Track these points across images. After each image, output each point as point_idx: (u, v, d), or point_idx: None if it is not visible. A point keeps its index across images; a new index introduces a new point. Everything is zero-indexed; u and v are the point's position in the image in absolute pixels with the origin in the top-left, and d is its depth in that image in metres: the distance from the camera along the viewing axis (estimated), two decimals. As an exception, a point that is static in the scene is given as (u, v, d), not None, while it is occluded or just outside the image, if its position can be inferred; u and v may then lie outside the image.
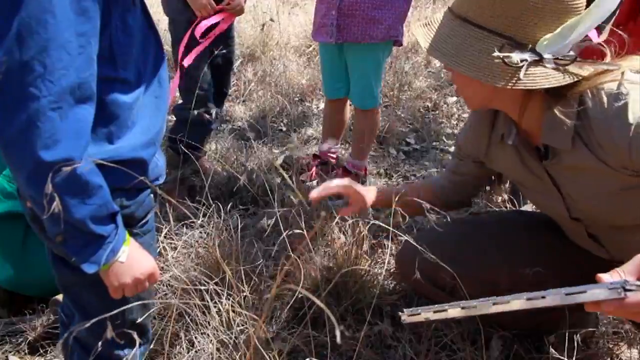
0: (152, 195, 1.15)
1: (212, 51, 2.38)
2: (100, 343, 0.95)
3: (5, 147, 0.87)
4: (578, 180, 1.25)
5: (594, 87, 1.13)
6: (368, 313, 1.51)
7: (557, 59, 1.10)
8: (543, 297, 0.88)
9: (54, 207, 0.81)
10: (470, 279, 1.40)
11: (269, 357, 1.29)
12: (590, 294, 0.85)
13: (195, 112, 2.43)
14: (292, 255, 1.41)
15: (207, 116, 2.55)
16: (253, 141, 2.81)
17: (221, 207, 1.89)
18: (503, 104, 1.27)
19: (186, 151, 2.19)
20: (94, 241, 0.95)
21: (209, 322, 1.55)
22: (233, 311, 1.53)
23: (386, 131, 3.16)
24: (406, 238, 1.47)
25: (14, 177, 0.92)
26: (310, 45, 4.41)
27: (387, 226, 1.42)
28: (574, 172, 1.24)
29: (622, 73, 1.12)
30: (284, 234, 1.58)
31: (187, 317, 1.60)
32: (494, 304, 0.92)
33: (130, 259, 1.02)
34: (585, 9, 1.10)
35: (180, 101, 2.58)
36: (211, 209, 1.85)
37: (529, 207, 2.05)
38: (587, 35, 1.13)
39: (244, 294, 1.60)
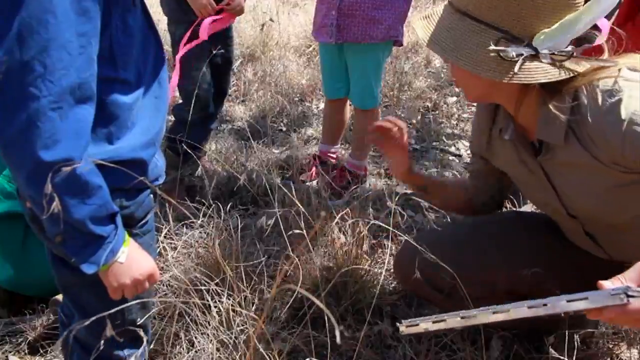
0: (151, 195, 1.15)
1: (210, 51, 2.38)
2: (101, 343, 0.95)
3: (5, 147, 0.87)
4: (571, 177, 1.25)
5: (589, 83, 1.13)
6: (368, 313, 1.51)
7: (554, 54, 1.11)
8: (544, 305, 0.87)
9: (53, 207, 0.81)
10: (470, 279, 1.40)
11: (269, 357, 1.29)
12: (592, 300, 0.84)
13: (195, 112, 2.42)
14: (292, 255, 1.41)
15: (207, 116, 2.55)
16: (253, 141, 2.81)
17: (221, 207, 1.89)
18: (500, 98, 1.27)
19: (188, 150, 2.19)
20: (94, 241, 0.95)
21: (209, 322, 1.55)
22: (233, 311, 1.53)
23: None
24: (406, 238, 1.47)
25: (13, 177, 0.92)
26: (310, 45, 4.41)
27: (387, 226, 1.42)
28: (567, 168, 1.24)
29: (619, 70, 1.12)
30: (285, 234, 1.58)
31: (187, 317, 1.60)
32: (494, 312, 0.90)
33: (130, 260, 1.02)
34: (584, 4, 1.10)
35: (180, 101, 2.58)
36: (211, 209, 1.85)
37: (528, 207, 2.05)
38: (592, 28, 1.13)
39: (244, 294, 1.60)
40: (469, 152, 3.10)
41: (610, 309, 0.85)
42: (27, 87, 0.83)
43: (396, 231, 1.49)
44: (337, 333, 0.69)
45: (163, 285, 1.73)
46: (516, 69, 1.08)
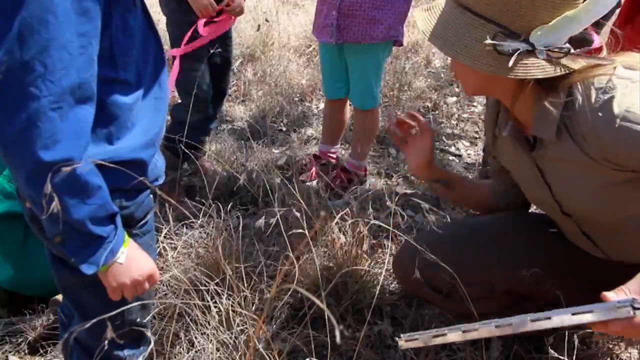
0: (151, 196, 1.15)
1: (209, 51, 2.38)
2: (101, 344, 0.95)
3: (5, 147, 0.87)
4: (564, 173, 1.26)
5: (584, 80, 1.14)
6: (368, 313, 1.51)
7: (551, 50, 1.11)
8: (548, 318, 0.85)
9: (53, 207, 0.81)
10: (469, 279, 1.40)
11: (269, 357, 1.29)
12: (599, 313, 0.83)
13: (194, 113, 2.42)
14: (291, 255, 1.40)
15: (206, 117, 2.55)
16: (253, 141, 2.81)
17: (221, 207, 1.89)
18: (497, 92, 1.28)
19: (186, 151, 2.19)
20: (93, 242, 0.95)
21: (209, 322, 1.55)
22: (233, 311, 1.53)
23: (386, 131, 3.16)
24: (406, 238, 1.47)
25: (13, 177, 0.92)
26: (310, 45, 4.41)
27: (387, 226, 1.42)
28: (559, 164, 1.25)
29: (614, 68, 1.13)
30: (285, 234, 1.58)
31: (187, 317, 1.60)
32: (496, 326, 0.89)
33: (129, 260, 1.02)
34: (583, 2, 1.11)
35: (179, 101, 2.58)
36: (211, 209, 1.85)
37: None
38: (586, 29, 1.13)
39: (244, 294, 1.60)
40: (469, 152, 3.10)
41: (616, 322, 0.83)
42: (28, 87, 0.83)
43: (396, 231, 1.49)
44: (337, 333, 0.69)
45: (163, 285, 1.73)
46: (510, 63, 1.09)
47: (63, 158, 0.86)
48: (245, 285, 1.62)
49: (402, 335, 0.95)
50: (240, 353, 1.45)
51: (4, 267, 1.81)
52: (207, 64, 2.46)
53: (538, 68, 1.12)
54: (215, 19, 2.27)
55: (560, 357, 1.33)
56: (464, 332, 0.92)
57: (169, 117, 2.75)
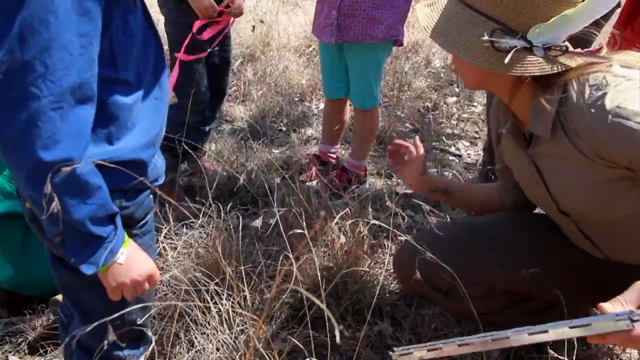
0: (151, 196, 1.15)
1: (206, 50, 2.37)
2: (101, 345, 0.95)
3: (5, 147, 0.87)
4: (559, 170, 1.27)
5: (580, 77, 1.15)
6: (368, 313, 1.51)
7: (549, 48, 1.12)
8: (545, 331, 0.84)
9: (53, 207, 0.80)
10: (469, 279, 1.40)
11: (269, 357, 1.29)
12: (596, 327, 0.82)
13: (192, 114, 2.41)
14: (291, 256, 1.41)
15: (205, 118, 2.54)
16: (253, 141, 2.81)
17: (221, 207, 1.89)
18: (495, 87, 1.30)
19: (187, 150, 2.19)
20: (93, 242, 0.95)
21: (209, 322, 1.55)
22: (233, 311, 1.53)
23: (386, 131, 3.16)
24: (406, 238, 1.47)
25: (13, 177, 0.92)
26: (310, 45, 4.41)
27: (387, 226, 1.43)
28: (554, 161, 1.26)
29: (610, 66, 1.13)
30: (284, 235, 1.58)
31: (187, 318, 1.60)
32: (492, 340, 0.88)
33: (129, 261, 1.02)
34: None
35: (178, 102, 2.57)
36: (211, 209, 1.85)
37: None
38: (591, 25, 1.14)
39: (244, 294, 1.60)
40: (469, 152, 3.10)
41: (614, 335, 0.82)
42: (28, 86, 0.83)
43: (396, 231, 1.49)
44: (337, 333, 0.69)
45: (163, 285, 1.73)
46: (506, 60, 1.10)
47: (63, 158, 0.86)
48: (245, 285, 1.62)
49: (395, 349, 0.95)
50: (240, 353, 1.45)
51: (4, 267, 1.81)
52: (206, 65, 2.46)
53: (535, 65, 1.13)
54: (215, 20, 2.27)
55: (560, 357, 1.33)
56: (459, 345, 0.91)
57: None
